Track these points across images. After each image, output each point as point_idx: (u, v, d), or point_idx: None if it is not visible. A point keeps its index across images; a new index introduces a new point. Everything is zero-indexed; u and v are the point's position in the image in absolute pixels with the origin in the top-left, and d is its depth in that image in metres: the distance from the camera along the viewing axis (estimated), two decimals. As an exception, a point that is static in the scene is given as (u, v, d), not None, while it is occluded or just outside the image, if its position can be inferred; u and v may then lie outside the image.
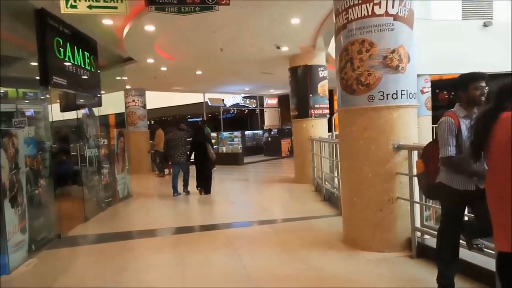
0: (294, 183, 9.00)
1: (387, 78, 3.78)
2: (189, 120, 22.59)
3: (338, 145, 4.77)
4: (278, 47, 8.28)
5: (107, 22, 6.06)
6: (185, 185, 8.24)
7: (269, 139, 16.92)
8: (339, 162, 4.82)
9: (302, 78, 9.00)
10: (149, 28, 6.39)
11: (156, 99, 16.81)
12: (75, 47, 5.92)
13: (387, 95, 3.79)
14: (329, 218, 5.45)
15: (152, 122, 13.80)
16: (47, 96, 5.55)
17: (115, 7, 4.13)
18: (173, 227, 5.72)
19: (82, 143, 6.51)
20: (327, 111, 9.24)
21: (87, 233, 5.53)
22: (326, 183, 6.98)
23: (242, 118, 24.05)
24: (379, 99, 3.81)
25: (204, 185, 8.08)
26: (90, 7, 4.06)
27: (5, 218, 3.87)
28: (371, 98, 3.84)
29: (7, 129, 4.23)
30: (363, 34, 3.83)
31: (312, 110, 8.91)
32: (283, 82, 12.05)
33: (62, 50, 5.46)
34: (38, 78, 5.00)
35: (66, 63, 5.65)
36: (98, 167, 6.85)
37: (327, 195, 6.72)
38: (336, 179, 6.11)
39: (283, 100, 20.06)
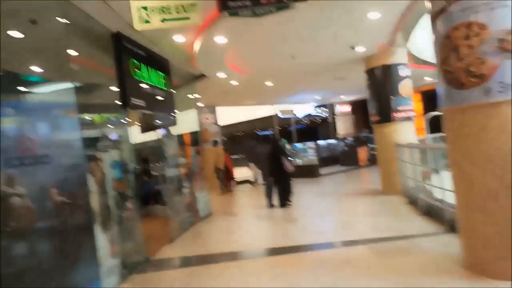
0: (381, 195, 8.16)
1: (506, 65, 3.06)
2: (259, 134, 22.62)
3: (446, 150, 4.05)
4: (352, 48, 7.72)
5: (178, 39, 6.07)
6: (269, 197, 8.16)
7: (345, 148, 16.07)
8: (448, 170, 4.08)
9: (382, 80, 8.27)
10: (220, 39, 6.28)
11: (226, 116, 17.02)
12: (150, 68, 5.98)
13: (508, 86, 3.07)
14: (435, 237, 4.67)
15: (225, 139, 13.97)
16: (128, 119, 5.65)
17: (188, 18, 3.97)
18: (261, 249, 5.36)
19: (162, 163, 6.57)
20: (413, 113, 8.35)
21: (175, 255, 5.40)
22: (423, 194, 6.13)
23: (312, 128, 23.43)
24: (498, 91, 3.11)
25: (283, 199, 7.83)
26: (163, 20, 3.96)
27: (97, 243, 3.86)
28: (487, 92, 3.15)
29: (93, 153, 4.29)
30: (469, 16, 3.20)
31: (394, 113, 8.11)
32: (356, 87, 11.34)
33: (138, 71, 5.52)
34: (117, 102, 5.06)
35: (143, 84, 5.70)
36: (179, 186, 6.86)
37: (425, 208, 5.86)
38: (436, 190, 5.28)
39: (356, 106, 19.13)
